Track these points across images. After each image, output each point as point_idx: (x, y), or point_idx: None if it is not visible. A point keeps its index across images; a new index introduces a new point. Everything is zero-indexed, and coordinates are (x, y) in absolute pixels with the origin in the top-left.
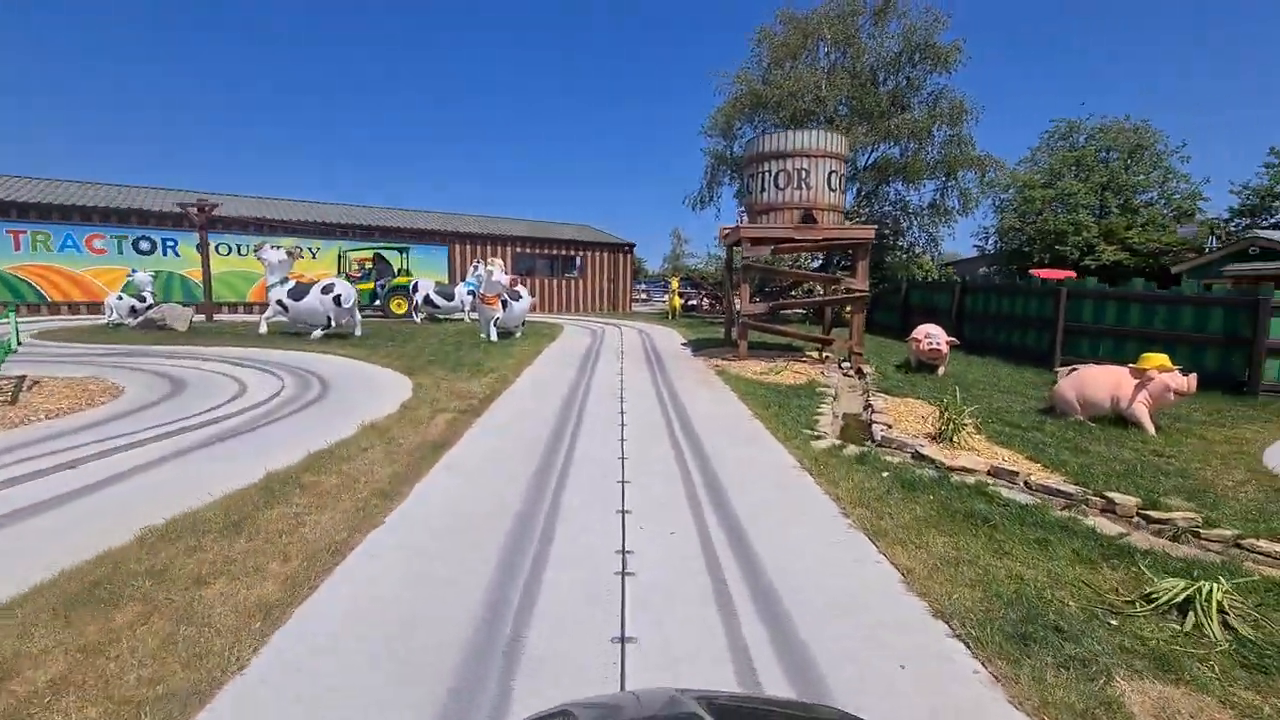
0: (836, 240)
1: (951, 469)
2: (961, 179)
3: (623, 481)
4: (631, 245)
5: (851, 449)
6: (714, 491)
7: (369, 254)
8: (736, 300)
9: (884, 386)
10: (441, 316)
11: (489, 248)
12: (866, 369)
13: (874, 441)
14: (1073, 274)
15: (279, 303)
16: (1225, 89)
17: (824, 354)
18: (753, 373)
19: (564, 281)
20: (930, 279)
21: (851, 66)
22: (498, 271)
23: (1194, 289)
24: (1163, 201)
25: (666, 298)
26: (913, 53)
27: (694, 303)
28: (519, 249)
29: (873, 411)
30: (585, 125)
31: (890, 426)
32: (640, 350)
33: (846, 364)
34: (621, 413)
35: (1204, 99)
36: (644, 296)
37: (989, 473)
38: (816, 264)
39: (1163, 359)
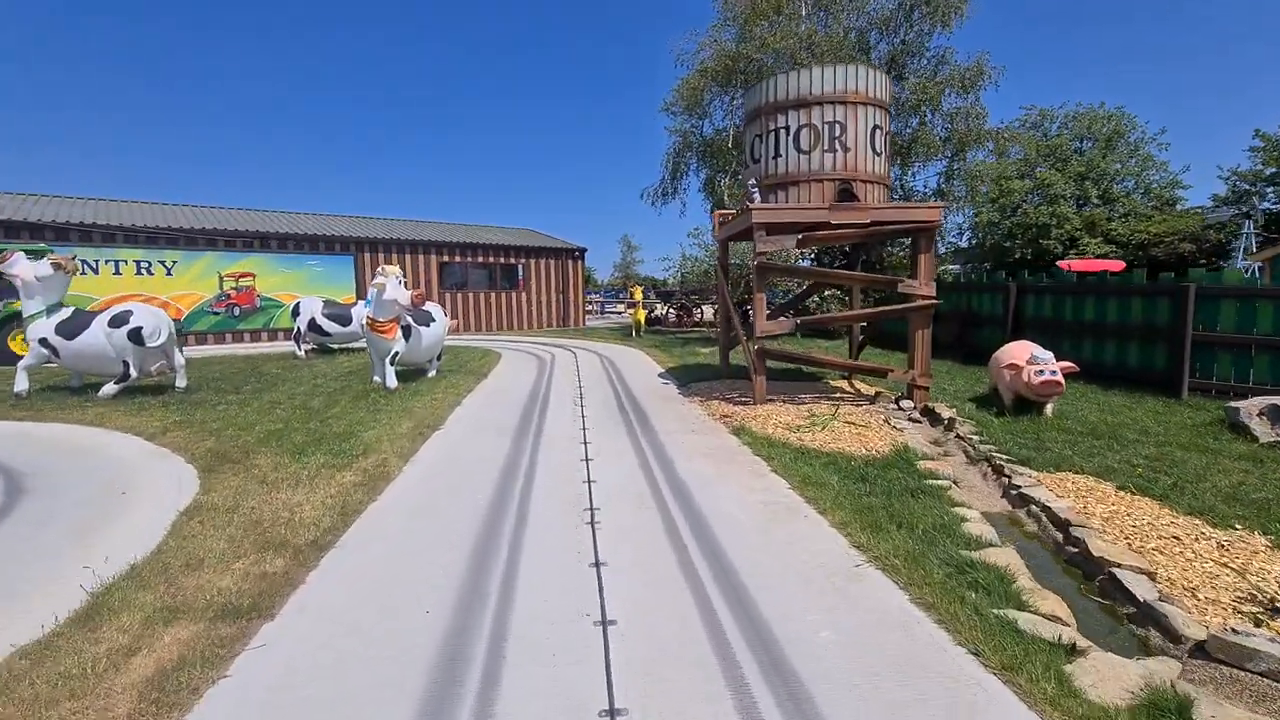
0: (891, 224)
1: None
2: (969, 159)
3: None
4: (582, 250)
5: None
6: None
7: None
8: (734, 311)
9: (1003, 447)
10: (335, 346)
11: (409, 257)
12: (944, 411)
13: (1172, 640)
14: (1121, 265)
15: (43, 342)
16: (1200, 72)
17: (856, 385)
18: (784, 426)
19: (504, 295)
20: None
21: (836, 30)
22: (392, 284)
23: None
24: (1141, 191)
25: (630, 311)
26: (910, 10)
27: (657, 313)
28: (447, 257)
29: (1059, 523)
30: (516, 121)
31: (1154, 578)
32: (608, 391)
33: (907, 401)
34: (597, 567)
35: (1176, 83)
36: (595, 309)
37: None
38: (806, 262)
39: None
